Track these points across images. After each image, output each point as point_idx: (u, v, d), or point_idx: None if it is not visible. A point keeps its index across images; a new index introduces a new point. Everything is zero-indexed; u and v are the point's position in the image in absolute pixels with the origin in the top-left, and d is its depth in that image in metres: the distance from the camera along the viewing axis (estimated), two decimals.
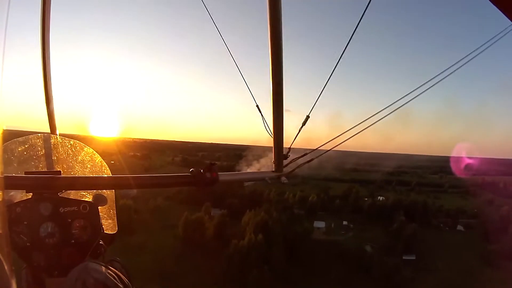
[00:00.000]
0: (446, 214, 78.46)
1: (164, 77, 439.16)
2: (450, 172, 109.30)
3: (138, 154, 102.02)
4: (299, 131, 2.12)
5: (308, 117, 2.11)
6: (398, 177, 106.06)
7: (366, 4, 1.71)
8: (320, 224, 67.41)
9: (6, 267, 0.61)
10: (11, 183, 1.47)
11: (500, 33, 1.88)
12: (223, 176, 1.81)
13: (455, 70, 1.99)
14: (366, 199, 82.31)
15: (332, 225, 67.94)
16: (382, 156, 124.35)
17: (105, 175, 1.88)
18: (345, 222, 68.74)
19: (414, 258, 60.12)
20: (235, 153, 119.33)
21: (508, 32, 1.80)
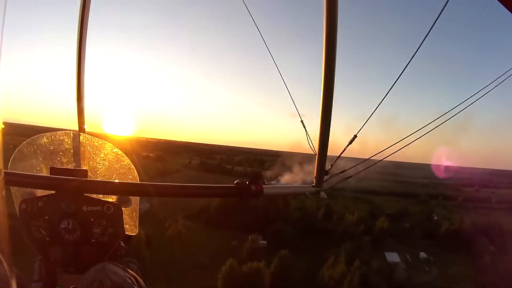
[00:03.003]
0: None
1: (176, 76, 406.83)
2: (483, 185, 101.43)
3: (151, 155, 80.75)
4: (344, 149, 2.06)
5: (355, 136, 2.06)
6: (433, 190, 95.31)
7: (434, 20, 1.72)
8: (393, 257, 51.29)
9: (6, 267, 0.59)
10: (37, 182, 1.48)
11: None
12: (267, 189, 1.79)
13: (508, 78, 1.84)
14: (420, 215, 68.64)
15: (409, 258, 52.28)
16: (410, 165, 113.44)
17: (145, 182, 1.75)
18: (422, 254, 53.43)
19: None
20: (256, 158, 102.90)
21: None
